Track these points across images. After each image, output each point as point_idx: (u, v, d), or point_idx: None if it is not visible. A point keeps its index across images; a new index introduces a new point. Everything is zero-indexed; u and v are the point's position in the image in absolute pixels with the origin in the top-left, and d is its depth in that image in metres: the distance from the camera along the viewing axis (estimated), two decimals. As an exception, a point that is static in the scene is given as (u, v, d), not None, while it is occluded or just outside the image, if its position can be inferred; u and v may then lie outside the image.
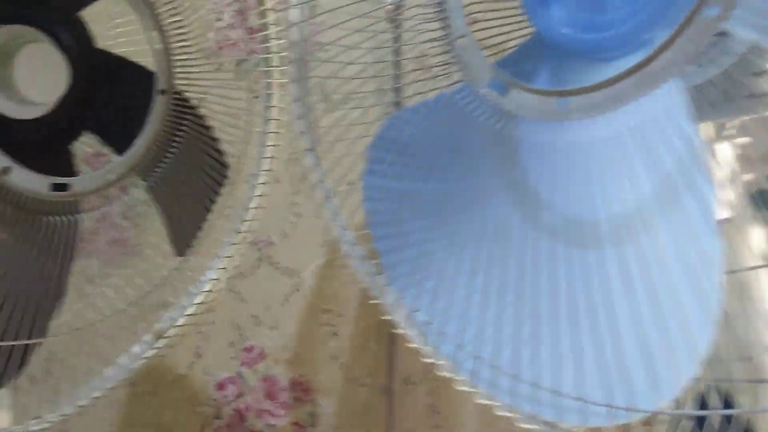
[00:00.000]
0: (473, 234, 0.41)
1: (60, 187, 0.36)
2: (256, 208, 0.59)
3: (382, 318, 0.77)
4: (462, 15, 0.41)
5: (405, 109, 0.44)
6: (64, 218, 0.36)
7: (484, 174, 0.42)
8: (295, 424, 0.81)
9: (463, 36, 0.40)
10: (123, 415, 0.85)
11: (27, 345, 0.37)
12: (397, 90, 0.47)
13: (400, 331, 0.43)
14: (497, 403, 0.38)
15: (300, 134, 0.46)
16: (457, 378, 0.40)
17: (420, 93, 0.43)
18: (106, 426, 0.85)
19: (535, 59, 0.39)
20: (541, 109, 0.37)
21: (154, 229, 0.58)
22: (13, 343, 0.36)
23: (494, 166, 0.41)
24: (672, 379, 0.32)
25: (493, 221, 0.41)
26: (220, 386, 0.83)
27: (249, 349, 0.83)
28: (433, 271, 0.41)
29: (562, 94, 0.36)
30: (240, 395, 0.82)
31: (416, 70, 0.44)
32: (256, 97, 0.67)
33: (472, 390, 0.39)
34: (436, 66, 0.42)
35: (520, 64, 0.39)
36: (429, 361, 0.41)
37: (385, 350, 0.79)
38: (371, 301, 0.46)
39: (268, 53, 0.57)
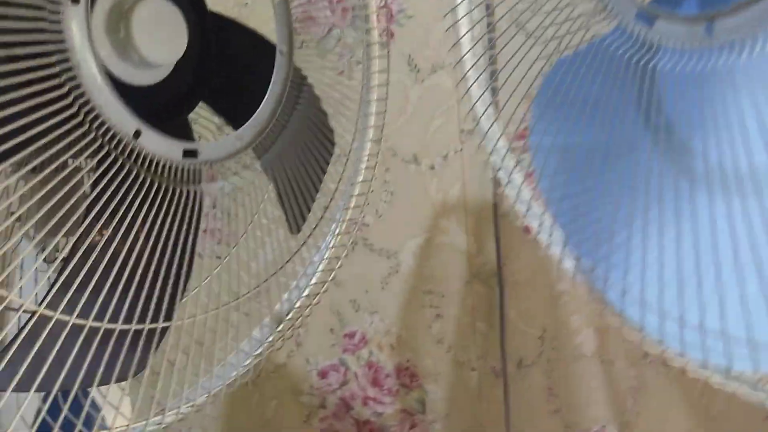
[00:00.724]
0: (626, 183, 0.38)
1: (190, 154, 0.33)
2: (361, 184, 0.56)
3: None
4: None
5: (559, 62, 0.40)
6: (191, 188, 0.33)
7: (631, 123, 0.39)
8: (404, 411, 0.77)
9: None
10: (226, 409, 0.84)
11: (162, 329, 0.35)
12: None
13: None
14: (667, 350, 0.35)
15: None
16: (626, 328, 0.37)
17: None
18: (209, 420, 0.84)
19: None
20: (687, 36, 0.34)
21: (246, 219, 0.56)
22: (152, 325, 0.33)
23: (639, 115, 0.38)
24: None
25: (642, 170, 0.38)
26: (323, 374, 0.80)
27: (350, 335, 0.80)
28: (591, 220, 0.37)
29: (708, 18, 0.33)
30: (344, 383, 0.79)
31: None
32: (341, 72, 0.63)
33: (641, 339, 0.35)
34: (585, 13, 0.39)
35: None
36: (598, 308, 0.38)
37: (495, 331, 0.75)
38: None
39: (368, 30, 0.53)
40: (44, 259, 0.37)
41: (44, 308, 0.29)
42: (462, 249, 0.76)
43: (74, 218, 0.29)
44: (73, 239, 0.31)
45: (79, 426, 0.36)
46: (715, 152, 0.33)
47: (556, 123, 0.41)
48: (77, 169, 0.31)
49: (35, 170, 0.31)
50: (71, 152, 0.28)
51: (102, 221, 0.29)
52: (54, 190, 0.31)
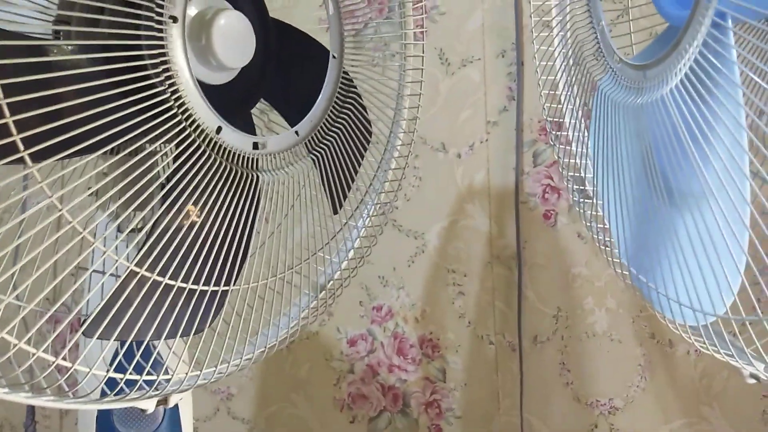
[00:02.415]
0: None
1: (257, 146, 0.39)
2: (394, 171, 0.62)
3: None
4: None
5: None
6: (256, 173, 0.39)
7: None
8: (426, 378, 0.84)
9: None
10: (261, 369, 0.91)
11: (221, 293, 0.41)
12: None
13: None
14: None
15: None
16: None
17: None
18: (245, 380, 0.91)
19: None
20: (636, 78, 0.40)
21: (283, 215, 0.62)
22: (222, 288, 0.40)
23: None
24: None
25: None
26: (352, 342, 0.87)
27: (378, 308, 0.86)
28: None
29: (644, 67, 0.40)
30: (371, 351, 0.86)
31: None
32: (375, 64, 0.69)
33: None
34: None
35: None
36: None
37: (512, 309, 0.80)
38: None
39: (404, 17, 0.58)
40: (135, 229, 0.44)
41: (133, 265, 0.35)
42: (484, 232, 0.82)
43: (168, 195, 0.36)
44: (159, 211, 0.37)
45: (147, 368, 0.43)
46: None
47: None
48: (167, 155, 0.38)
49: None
50: (172, 144, 0.34)
51: (191, 198, 0.35)
52: (145, 172, 0.37)
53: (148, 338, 0.41)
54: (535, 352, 0.79)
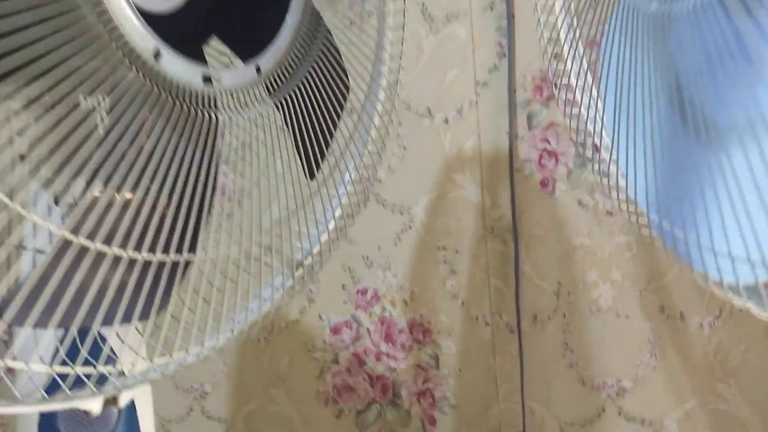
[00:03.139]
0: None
1: (209, 80, 0.31)
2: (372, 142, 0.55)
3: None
4: None
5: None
6: (208, 113, 0.32)
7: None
8: (417, 366, 0.77)
9: None
10: (238, 363, 0.84)
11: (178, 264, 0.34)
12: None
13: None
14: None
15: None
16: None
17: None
18: (220, 376, 0.84)
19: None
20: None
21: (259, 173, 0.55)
22: (178, 259, 0.32)
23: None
24: None
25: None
26: (335, 330, 0.80)
27: (362, 292, 0.79)
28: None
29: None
30: (357, 339, 0.79)
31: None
32: (351, 23, 0.61)
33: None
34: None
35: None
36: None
37: (509, 286, 0.74)
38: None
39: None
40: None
41: (68, 233, 0.28)
42: (476, 204, 0.75)
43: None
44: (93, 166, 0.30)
45: (101, 365, 0.35)
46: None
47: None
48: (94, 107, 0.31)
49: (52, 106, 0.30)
50: (99, 75, 0.26)
51: (128, 139, 0.28)
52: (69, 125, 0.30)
53: (96, 323, 0.34)
54: (535, 332, 0.73)
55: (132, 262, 0.33)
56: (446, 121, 0.76)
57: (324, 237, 0.51)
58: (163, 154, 0.29)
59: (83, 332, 0.37)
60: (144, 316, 0.36)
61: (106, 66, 0.28)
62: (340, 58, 0.50)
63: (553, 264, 0.72)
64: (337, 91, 0.49)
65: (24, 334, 0.36)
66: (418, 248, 0.78)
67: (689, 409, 0.69)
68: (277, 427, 0.82)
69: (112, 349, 0.35)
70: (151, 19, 0.31)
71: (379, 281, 0.79)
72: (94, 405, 0.36)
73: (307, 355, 0.81)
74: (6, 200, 0.27)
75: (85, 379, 0.35)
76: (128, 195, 0.32)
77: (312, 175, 0.50)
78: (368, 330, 0.79)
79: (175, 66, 0.29)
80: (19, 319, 0.31)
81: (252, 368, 0.83)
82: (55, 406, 0.35)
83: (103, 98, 0.32)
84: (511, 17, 0.72)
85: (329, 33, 0.47)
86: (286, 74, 0.41)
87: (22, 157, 0.36)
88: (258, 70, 0.36)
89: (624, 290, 0.70)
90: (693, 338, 0.69)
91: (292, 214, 0.50)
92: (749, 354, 0.68)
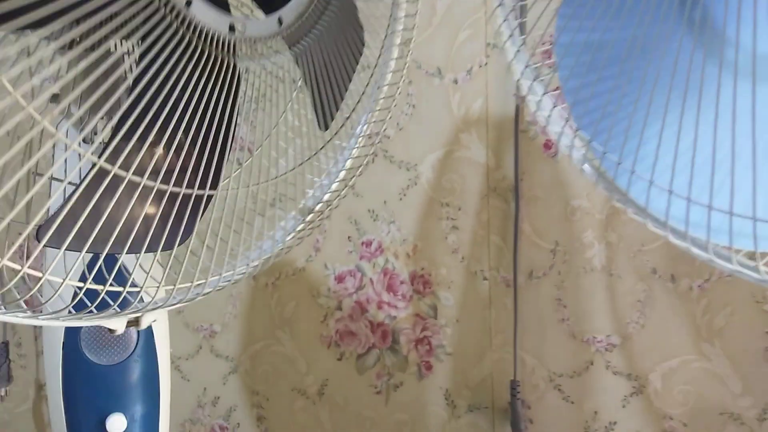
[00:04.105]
0: (661, 78, 0.39)
1: (233, 29, 0.34)
2: (384, 99, 0.57)
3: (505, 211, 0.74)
4: None
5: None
6: (232, 59, 0.34)
7: (667, 17, 0.39)
8: (417, 315, 0.81)
9: None
10: (246, 307, 0.88)
11: (200, 199, 0.37)
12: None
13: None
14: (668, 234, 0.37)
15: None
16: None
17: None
18: (229, 317, 0.88)
19: None
20: None
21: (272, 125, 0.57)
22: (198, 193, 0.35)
23: (677, 8, 0.39)
24: None
25: (680, 64, 0.38)
26: (340, 279, 0.84)
27: (367, 244, 0.83)
28: (621, 117, 0.39)
29: None
30: (360, 288, 0.83)
31: None
32: None
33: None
34: None
35: None
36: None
37: (508, 244, 0.77)
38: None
39: None
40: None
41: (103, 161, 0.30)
42: (481, 163, 0.78)
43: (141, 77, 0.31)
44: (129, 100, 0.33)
45: (125, 291, 0.39)
46: (749, 38, 0.34)
47: (589, 20, 0.41)
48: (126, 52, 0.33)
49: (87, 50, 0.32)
50: (135, 20, 0.29)
51: (165, 81, 0.30)
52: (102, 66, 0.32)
53: (109, 249, 0.37)
54: (531, 288, 0.76)
55: (158, 195, 0.36)
56: (455, 82, 0.78)
57: (334, 186, 0.54)
58: (190, 95, 0.32)
59: (109, 259, 0.41)
60: (167, 246, 0.40)
61: (142, 13, 0.31)
62: (357, 13, 0.52)
63: (551, 223, 0.75)
64: (353, 45, 0.51)
65: (53, 255, 0.39)
66: (423, 204, 0.80)
67: (673, 366, 0.73)
68: (281, 367, 0.87)
69: (127, 271, 0.38)
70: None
71: (384, 234, 0.82)
72: (118, 324, 0.39)
73: (312, 301, 0.85)
74: (51, 129, 0.30)
75: (110, 301, 0.38)
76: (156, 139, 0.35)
77: (325, 127, 0.52)
78: (371, 280, 0.82)
79: (204, 13, 0.32)
80: (55, 242, 0.34)
81: (259, 311, 0.87)
82: (84, 322, 0.38)
83: (138, 43, 0.35)
84: (524, -20, 0.73)
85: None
86: (306, 27, 0.43)
87: (55, 97, 0.39)
88: (280, 21, 0.38)
89: (618, 251, 0.73)
90: (682, 300, 0.72)
91: (305, 164, 0.53)
92: (734, 317, 0.71)
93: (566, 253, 0.75)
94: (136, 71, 0.34)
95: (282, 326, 0.86)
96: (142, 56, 0.33)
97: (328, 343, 0.85)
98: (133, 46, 0.36)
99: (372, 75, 0.57)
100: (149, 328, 0.48)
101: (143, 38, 0.32)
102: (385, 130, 0.83)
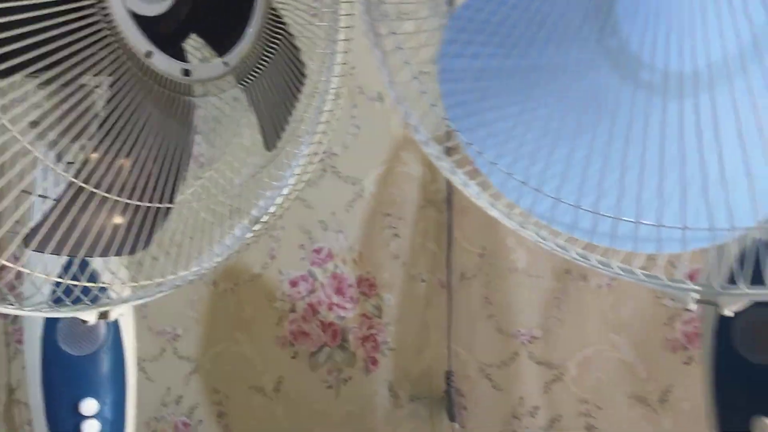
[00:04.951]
0: (560, 103, 0.42)
1: (186, 73, 0.42)
2: (327, 113, 0.65)
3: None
4: None
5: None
6: (187, 98, 0.43)
7: (576, 45, 0.41)
8: (363, 315, 0.90)
9: None
10: (206, 311, 0.95)
11: (160, 211, 0.45)
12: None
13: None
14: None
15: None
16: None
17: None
18: (190, 321, 0.95)
19: None
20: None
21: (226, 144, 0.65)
22: (162, 205, 0.43)
23: (588, 35, 0.41)
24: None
25: (586, 88, 0.41)
26: (293, 283, 0.92)
27: (318, 251, 0.91)
28: (511, 148, 0.42)
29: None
30: (312, 291, 0.91)
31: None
32: (314, 15, 0.72)
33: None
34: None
35: None
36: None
37: (442, 249, 0.86)
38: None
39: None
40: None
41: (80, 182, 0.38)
42: (418, 178, 0.87)
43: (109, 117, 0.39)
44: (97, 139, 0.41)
45: (97, 284, 0.47)
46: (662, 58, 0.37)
47: (475, 45, 0.43)
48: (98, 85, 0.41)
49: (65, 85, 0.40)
50: (103, 66, 0.37)
51: (128, 118, 0.38)
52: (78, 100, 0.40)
53: (83, 253, 0.44)
54: (462, 288, 0.86)
55: (125, 208, 0.44)
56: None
57: (279, 200, 0.62)
58: (150, 126, 0.40)
59: (82, 262, 0.49)
60: (132, 251, 0.48)
61: (108, 59, 0.39)
62: (296, 49, 0.60)
63: (479, 231, 0.85)
64: (293, 78, 0.60)
65: (35, 259, 0.46)
66: (367, 215, 0.89)
67: (587, 355, 0.83)
68: (240, 367, 0.94)
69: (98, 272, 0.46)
70: (143, 21, 0.42)
71: (333, 242, 0.90)
72: (90, 315, 0.47)
73: (267, 305, 0.93)
74: (37, 153, 0.37)
75: (82, 297, 0.46)
76: (122, 161, 0.43)
77: (270, 148, 0.61)
78: (322, 284, 0.91)
79: (161, 63, 0.40)
80: (41, 247, 0.42)
81: (219, 315, 0.94)
82: (60, 313, 0.45)
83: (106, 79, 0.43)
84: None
85: (290, 34, 0.57)
86: (250, 66, 0.52)
87: (34, 124, 0.46)
88: (226, 64, 0.46)
89: (537, 254, 0.83)
90: (593, 296, 0.82)
91: (254, 179, 0.61)
92: (638, 310, 0.82)
93: (492, 256, 0.85)
94: (106, 109, 0.42)
95: (240, 328, 0.94)
96: (111, 96, 0.41)
97: (283, 343, 0.92)
98: (102, 82, 0.44)
99: (310, 102, 0.65)
100: (116, 324, 0.55)
101: (111, 79, 0.40)
102: (326, 150, 0.92)
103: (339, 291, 0.90)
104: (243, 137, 0.62)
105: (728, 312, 0.42)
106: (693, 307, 0.43)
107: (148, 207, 0.44)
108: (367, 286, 0.89)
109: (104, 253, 0.45)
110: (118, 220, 0.43)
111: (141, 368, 0.98)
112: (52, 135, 0.43)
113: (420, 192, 0.87)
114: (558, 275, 0.83)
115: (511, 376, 0.85)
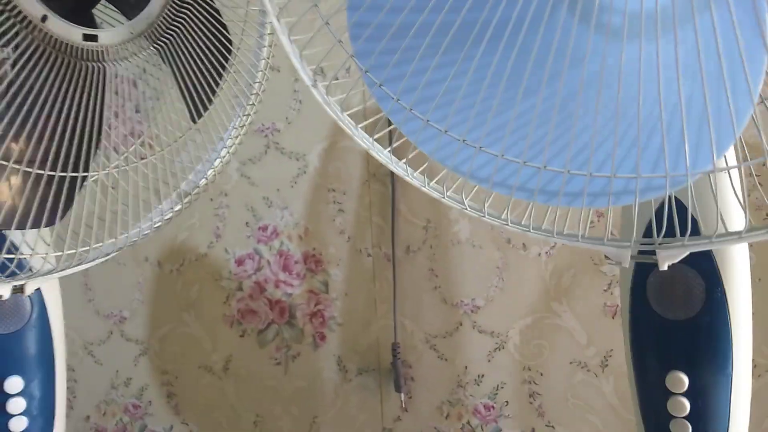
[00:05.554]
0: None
1: (90, 38, 0.41)
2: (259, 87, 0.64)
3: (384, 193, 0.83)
4: None
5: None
6: (94, 65, 0.42)
7: None
8: (310, 291, 0.90)
9: None
10: (153, 292, 0.94)
11: (75, 180, 0.44)
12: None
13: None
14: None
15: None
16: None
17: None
18: (137, 303, 0.94)
19: None
20: None
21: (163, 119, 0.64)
22: (72, 174, 0.42)
23: None
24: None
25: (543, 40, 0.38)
26: (239, 262, 0.91)
27: (263, 228, 0.90)
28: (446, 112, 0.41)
29: None
30: (258, 269, 0.91)
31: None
32: None
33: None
34: None
35: None
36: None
37: (387, 223, 0.87)
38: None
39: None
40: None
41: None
42: (362, 152, 0.87)
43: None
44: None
45: (14, 266, 0.46)
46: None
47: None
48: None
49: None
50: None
51: (24, 86, 0.38)
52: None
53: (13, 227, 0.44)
54: (408, 261, 0.86)
55: (38, 178, 0.43)
56: (337, 79, 0.86)
57: (210, 173, 0.62)
58: (52, 94, 0.39)
59: (-1, 237, 0.48)
60: (49, 223, 0.47)
61: (4, 27, 0.38)
62: (220, 22, 0.59)
63: (423, 204, 0.85)
64: (214, 45, 0.59)
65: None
66: (312, 190, 0.89)
67: (529, 323, 0.84)
68: (188, 347, 0.93)
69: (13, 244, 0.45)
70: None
71: (278, 219, 0.90)
72: (4, 290, 0.46)
73: (214, 284, 0.92)
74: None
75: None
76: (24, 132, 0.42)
77: (195, 120, 0.60)
78: (268, 261, 0.91)
79: (58, 27, 0.39)
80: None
81: (165, 296, 0.94)
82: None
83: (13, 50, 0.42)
84: None
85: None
86: (165, 32, 0.51)
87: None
88: (131, 28, 0.45)
89: (478, 225, 0.84)
90: (533, 265, 0.84)
91: (184, 152, 0.60)
92: (577, 277, 0.83)
93: (436, 229, 0.85)
94: (9, 75, 0.41)
95: (187, 309, 0.93)
96: (14, 63, 0.40)
97: (231, 323, 0.92)
98: (9, 53, 0.43)
99: (238, 73, 0.64)
100: (41, 300, 0.55)
101: (12, 47, 0.40)
102: (269, 126, 0.90)
103: (285, 268, 0.90)
104: (171, 110, 0.61)
105: (664, 266, 0.43)
106: (627, 264, 0.44)
107: (61, 177, 0.43)
108: (314, 262, 0.89)
109: (17, 226, 0.44)
110: (27, 191, 0.42)
111: (89, 352, 0.96)
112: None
113: (364, 166, 0.87)
114: (499, 245, 0.84)
115: (456, 346, 0.86)
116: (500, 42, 0.38)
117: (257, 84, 0.64)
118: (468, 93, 0.41)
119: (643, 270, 0.49)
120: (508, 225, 0.45)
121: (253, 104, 0.63)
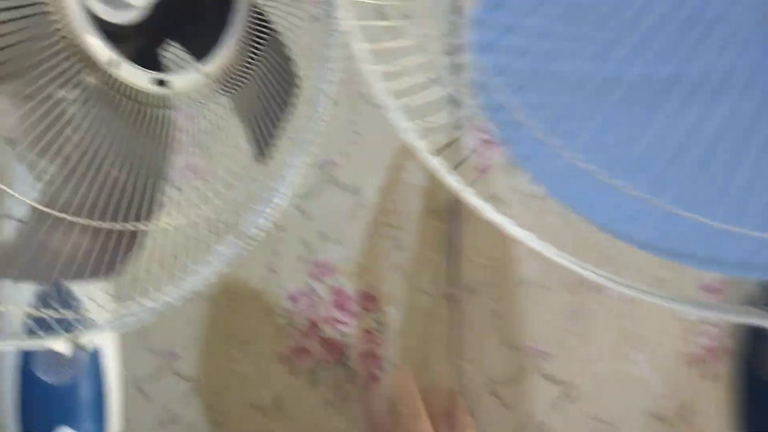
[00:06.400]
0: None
1: (160, 83, 0.39)
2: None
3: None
4: None
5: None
6: (163, 111, 0.40)
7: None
8: (365, 330, 0.86)
9: None
10: (204, 328, 0.92)
11: (134, 233, 0.42)
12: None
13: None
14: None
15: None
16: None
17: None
18: (189, 339, 0.92)
19: None
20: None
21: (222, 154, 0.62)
22: (133, 227, 0.40)
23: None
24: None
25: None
26: (293, 298, 0.88)
27: (317, 263, 0.87)
28: None
29: None
30: (312, 306, 0.88)
31: None
32: (316, 19, 0.68)
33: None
34: None
35: None
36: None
37: (447, 260, 0.82)
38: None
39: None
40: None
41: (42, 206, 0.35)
42: (420, 186, 0.84)
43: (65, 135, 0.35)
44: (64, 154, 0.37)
45: (67, 312, 0.43)
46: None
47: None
48: (63, 99, 0.38)
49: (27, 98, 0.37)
50: (59, 80, 0.34)
51: (89, 132, 0.35)
52: (44, 115, 0.37)
53: (70, 278, 0.41)
54: (469, 301, 0.82)
55: (97, 230, 0.41)
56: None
57: (270, 212, 0.59)
58: (120, 142, 0.37)
59: (57, 288, 0.46)
60: (106, 275, 0.44)
61: (71, 70, 0.36)
62: (288, 52, 0.57)
63: (486, 241, 0.81)
64: (284, 83, 0.57)
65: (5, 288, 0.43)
66: (368, 225, 0.86)
67: (601, 370, 0.79)
68: (238, 384, 0.91)
69: (72, 298, 0.42)
70: (107, 27, 0.38)
71: (333, 254, 0.87)
72: (62, 346, 0.43)
73: (266, 320, 0.89)
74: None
75: (55, 325, 0.43)
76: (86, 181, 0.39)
77: (261, 160, 0.57)
78: (322, 298, 0.87)
79: (128, 73, 0.37)
80: (4, 273, 0.39)
81: (217, 332, 0.91)
82: (29, 343, 0.42)
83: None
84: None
85: (279, 39, 0.54)
86: (234, 74, 0.48)
87: (11, 142, 0.43)
88: (204, 73, 0.43)
89: (548, 265, 0.79)
90: (607, 309, 0.78)
91: (245, 192, 0.58)
92: (654, 323, 0.77)
93: (501, 268, 0.81)
94: (76, 121, 0.38)
95: (239, 346, 0.90)
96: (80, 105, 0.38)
97: (282, 360, 0.89)
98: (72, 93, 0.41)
99: (304, 110, 0.61)
100: (97, 352, 0.52)
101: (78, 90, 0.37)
102: (326, 159, 0.88)
103: (339, 305, 0.87)
104: (238, 148, 0.59)
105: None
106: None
107: (120, 230, 0.41)
108: (369, 299, 0.86)
109: (75, 279, 0.42)
110: (86, 243, 0.40)
111: (139, 388, 0.94)
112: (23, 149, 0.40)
113: (422, 201, 0.83)
114: (570, 286, 0.79)
115: (520, 393, 0.81)
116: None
117: (321, 121, 0.62)
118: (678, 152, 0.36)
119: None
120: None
121: (316, 141, 0.60)
